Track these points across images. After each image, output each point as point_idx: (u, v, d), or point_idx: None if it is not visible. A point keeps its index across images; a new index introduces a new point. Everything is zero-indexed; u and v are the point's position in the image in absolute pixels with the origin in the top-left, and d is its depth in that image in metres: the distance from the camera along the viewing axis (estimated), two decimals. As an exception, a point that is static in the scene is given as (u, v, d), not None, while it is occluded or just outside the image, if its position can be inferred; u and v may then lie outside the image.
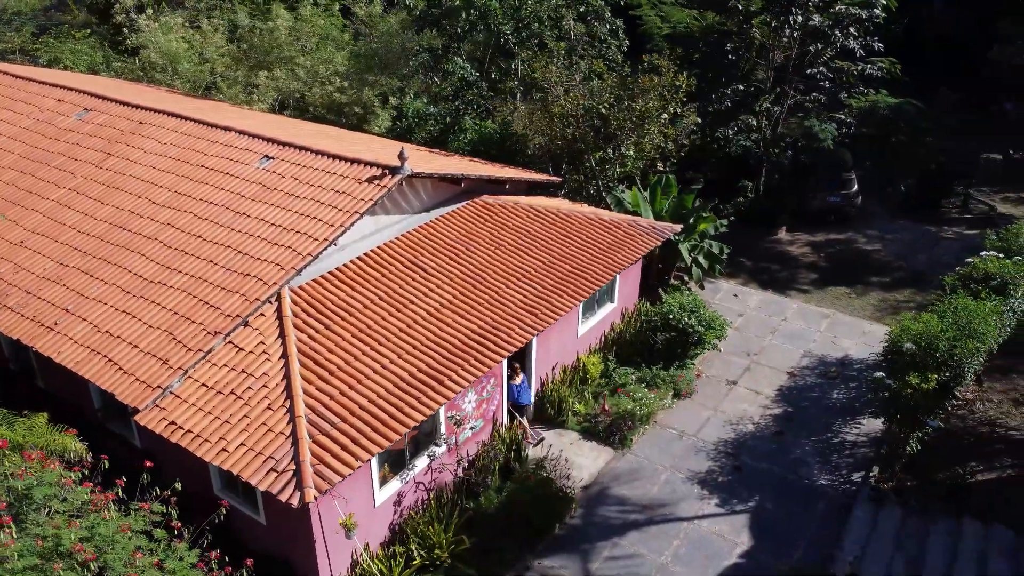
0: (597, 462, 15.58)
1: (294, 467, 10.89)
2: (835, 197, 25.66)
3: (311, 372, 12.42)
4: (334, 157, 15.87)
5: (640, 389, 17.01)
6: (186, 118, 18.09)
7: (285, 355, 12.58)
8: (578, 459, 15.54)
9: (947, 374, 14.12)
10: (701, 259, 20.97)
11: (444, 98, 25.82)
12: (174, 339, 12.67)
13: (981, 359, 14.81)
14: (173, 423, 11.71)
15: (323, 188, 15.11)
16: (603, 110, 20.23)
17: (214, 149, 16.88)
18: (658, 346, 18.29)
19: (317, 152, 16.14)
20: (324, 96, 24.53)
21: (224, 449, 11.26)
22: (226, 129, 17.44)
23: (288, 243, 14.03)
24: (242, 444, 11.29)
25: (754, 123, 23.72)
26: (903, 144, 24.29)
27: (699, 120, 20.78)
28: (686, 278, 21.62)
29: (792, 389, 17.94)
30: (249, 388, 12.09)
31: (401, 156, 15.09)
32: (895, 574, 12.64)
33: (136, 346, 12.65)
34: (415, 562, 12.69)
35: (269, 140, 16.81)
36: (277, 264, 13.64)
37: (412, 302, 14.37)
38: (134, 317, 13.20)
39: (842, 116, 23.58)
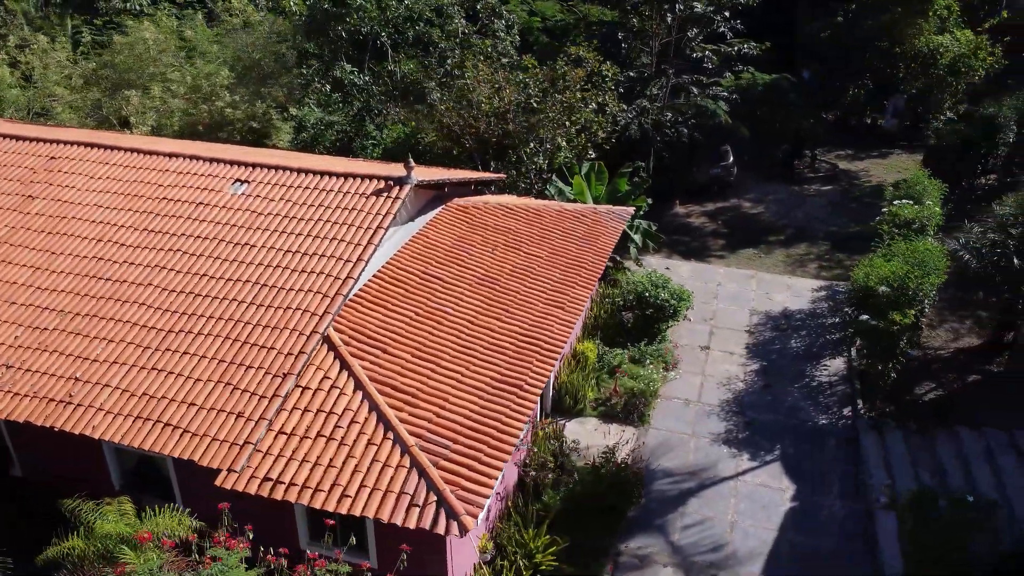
0: (616, 439, 16.05)
1: (435, 498, 10.33)
2: (716, 169, 27.97)
3: (395, 400, 11.74)
4: (322, 174, 14.88)
5: (635, 367, 17.72)
6: (113, 147, 15.98)
7: (361, 386, 11.78)
8: (610, 442, 15.92)
9: (917, 309, 16.21)
10: (637, 238, 22.06)
11: (336, 106, 24.77)
12: (236, 388, 11.38)
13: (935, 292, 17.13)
14: (269, 479, 10.59)
15: (327, 207, 14.15)
16: (535, 104, 20.60)
17: (169, 179, 15.10)
18: (629, 324, 19.11)
19: (298, 171, 15.02)
20: (213, 113, 22.58)
21: (345, 495, 10.40)
22: (170, 156, 15.67)
23: (317, 269, 13.03)
24: (363, 486, 10.49)
25: (647, 106, 25.19)
26: (779, 115, 26.99)
27: (624, 107, 21.76)
28: (618, 257, 22.63)
29: (756, 345, 19.54)
30: (338, 427, 11.20)
31: (408, 166, 14.53)
32: (925, 488, 14.37)
33: (193, 404, 11.21)
34: (526, 574, 12.47)
35: (231, 163, 15.33)
36: (318, 292, 12.64)
37: (450, 314, 13.96)
38: (171, 373, 11.65)
39: (724, 93, 25.72)
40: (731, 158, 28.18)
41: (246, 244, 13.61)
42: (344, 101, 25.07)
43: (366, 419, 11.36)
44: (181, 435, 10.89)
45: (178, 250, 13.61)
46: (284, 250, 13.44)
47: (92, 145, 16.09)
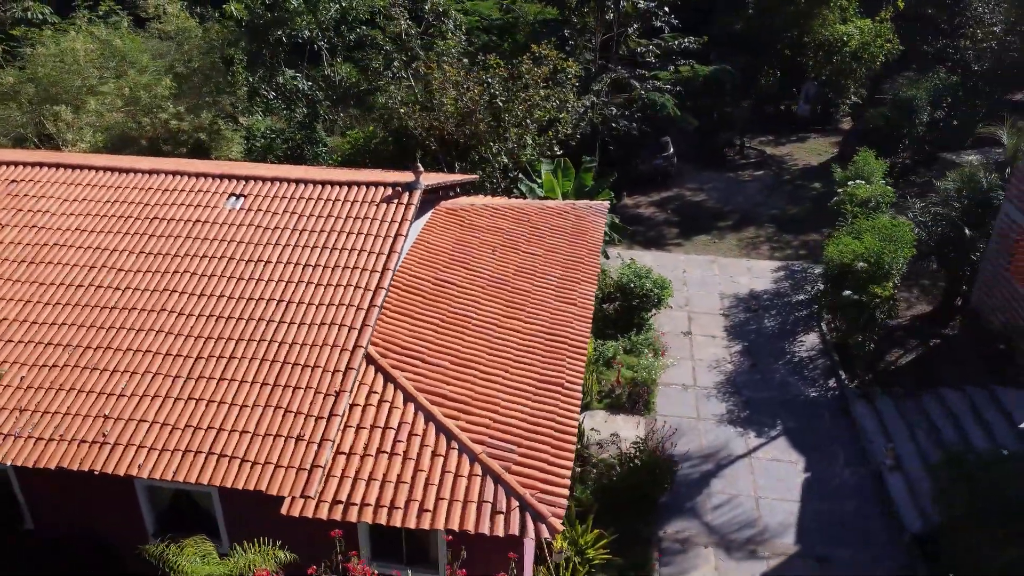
0: (639, 431, 16.36)
1: (516, 503, 10.23)
2: (659, 160, 28.77)
3: (448, 409, 11.52)
4: (323, 184, 14.39)
5: (629, 358, 18.06)
6: (84, 167, 14.87)
7: (411, 398, 11.49)
8: (622, 432, 16.18)
9: (892, 281, 17.29)
10: (606, 230, 22.42)
11: (281, 113, 23.95)
12: (287, 411, 10.86)
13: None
14: (339, 501, 10.21)
15: (337, 217, 13.69)
16: (500, 103, 20.57)
17: (155, 198, 14.19)
18: (610, 314, 19.48)
19: (296, 181, 14.47)
20: (156, 126, 21.33)
21: (424, 509, 10.15)
22: (151, 173, 14.74)
23: (343, 281, 12.60)
24: (440, 499, 10.27)
25: (595, 100, 25.60)
26: (718, 105, 27.98)
27: (587, 103, 22.04)
28: (585, 252, 22.93)
29: (734, 327, 20.29)
30: (398, 441, 10.90)
31: (416, 170, 14.27)
32: (925, 448, 15.37)
33: (246, 431, 10.62)
34: (582, 571, 12.53)
35: (220, 177, 14.59)
36: (350, 305, 12.22)
37: (474, 318, 13.80)
38: (212, 401, 10.99)
39: (667, 86, 26.47)
40: (671, 149, 29.05)
41: (259, 261, 12.99)
42: (288, 108, 24.25)
43: (424, 431, 11.10)
44: (240, 465, 10.31)
45: (185, 271, 12.82)
46: (302, 264, 12.92)
47: (59, 166, 14.90)
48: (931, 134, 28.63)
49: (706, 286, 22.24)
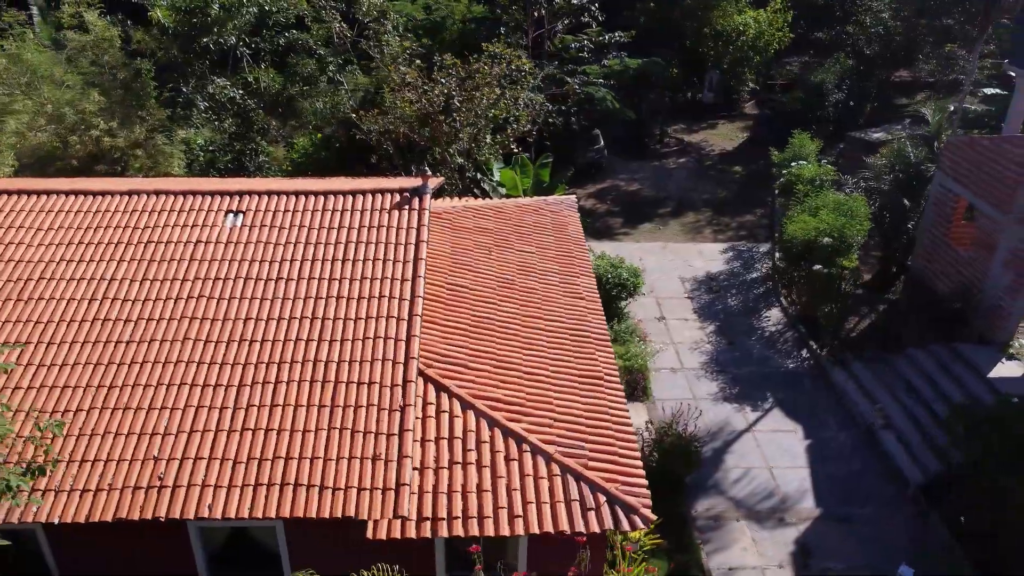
0: (642, 417, 16.71)
1: (604, 498, 10.27)
2: (592, 153, 29.33)
3: (507, 413, 11.39)
4: (323, 194, 13.84)
5: (616, 346, 18.38)
6: (50, 192, 13.61)
7: (469, 406, 11.28)
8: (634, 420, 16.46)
9: (855, 253, 18.47)
10: (564, 225, 22.65)
11: (213, 124, 22.73)
12: (355, 431, 10.41)
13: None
14: (426, 518, 9.92)
15: (350, 228, 13.23)
16: (458, 103, 20.40)
17: (142, 220, 13.17)
18: (587, 308, 19.75)
19: (292, 194, 13.84)
20: (88, 144, 19.75)
21: (515, 515, 10.02)
22: (129, 194, 13.68)
23: (375, 292, 12.18)
24: (527, 503, 10.16)
25: (532, 96, 25.78)
26: (648, 97, 28.75)
27: (544, 100, 22.17)
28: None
29: (702, 309, 21.05)
30: (468, 450, 10.70)
31: (424, 175, 14.01)
32: (910, 406, 16.53)
33: (316, 457, 10.09)
34: (637, 558, 12.70)
35: (210, 194, 13.75)
36: (390, 316, 11.84)
37: (496, 320, 13.68)
38: (269, 430, 10.37)
39: (600, 80, 26.98)
40: (602, 142, 29.69)
41: (279, 279, 12.36)
42: (218, 118, 23.05)
43: (492, 437, 10.93)
44: (320, 493, 9.81)
45: (200, 296, 12.01)
46: (326, 279, 12.39)
47: (22, 193, 13.58)
48: (836, 115, 30.65)
49: (665, 272, 22.93)
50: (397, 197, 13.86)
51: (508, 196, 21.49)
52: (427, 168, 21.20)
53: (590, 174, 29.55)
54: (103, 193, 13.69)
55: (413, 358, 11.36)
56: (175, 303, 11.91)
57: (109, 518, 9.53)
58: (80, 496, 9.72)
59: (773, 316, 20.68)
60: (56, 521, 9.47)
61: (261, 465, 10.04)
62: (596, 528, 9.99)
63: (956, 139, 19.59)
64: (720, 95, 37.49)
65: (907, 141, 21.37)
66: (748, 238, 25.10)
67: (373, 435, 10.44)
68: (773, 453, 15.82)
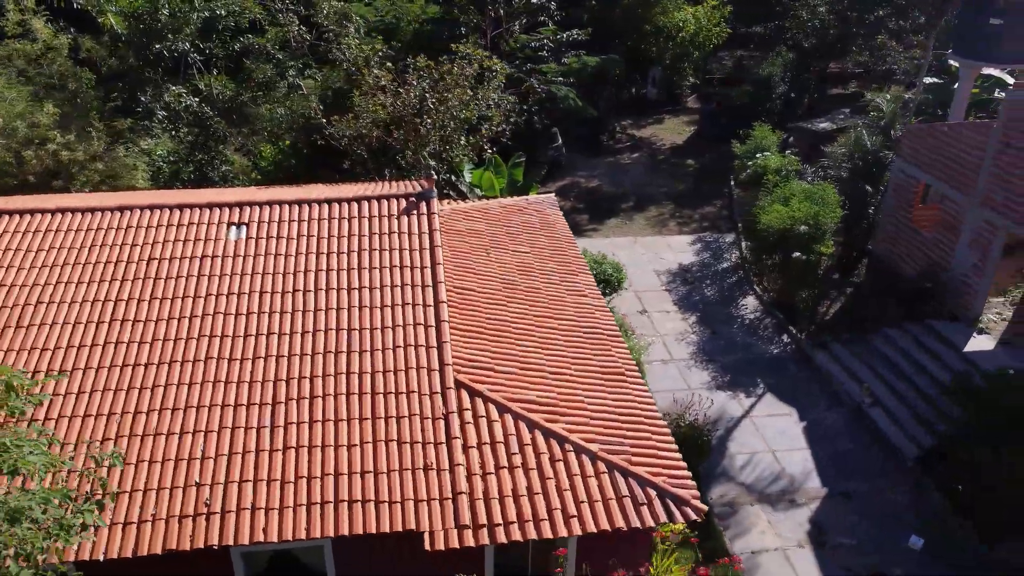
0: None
1: (654, 492, 10.38)
2: (552, 151, 29.50)
3: (543, 414, 11.36)
4: (327, 202, 13.51)
5: (607, 342, 18.58)
6: (33, 211, 12.87)
7: (506, 409, 11.19)
8: (630, 414, 16.67)
9: (830, 240, 19.17)
10: (538, 224, 22.73)
11: (170, 133, 21.88)
12: (400, 442, 10.22)
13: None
14: (482, 525, 9.83)
15: (360, 235, 12.98)
16: (431, 104, 20.18)
17: (139, 237, 12.58)
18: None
19: (294, 203, 13.47)
20: (44, 158, 18.70)
21: (570, 516, 10.02)
22: (119, 209, 13.05)
23: (399, 300, 12.00)
24: (580, 502, 10.18)
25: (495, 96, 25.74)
26: (604, 94, 29.05)
27: (515, 100, 22.14)
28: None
29: (681, 301, 21.47)
30: (512, 454, 10.64)
31: (428, 178, 13.86)
32: (893, 383, 17.26)
33: (367, 471, 9.85)
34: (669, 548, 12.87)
35: (206, 207, 13.25)
36: (417, 324, 11.68)
37: (509, 322, 13.64)
38: (313, 447, 10.06)
39: (560, 78, 27.13)
40: (560, 140, 29.89)
41: (295, 291, 12.01)
42: (175, 128, 22.19)
43: (533, 439, 10.88)
44: (377, 507, 9.59)
45: (216, 313, 11.58)
46: (345, 289, 12.12)
47: (2, 213, 12.77)
48: (780, 106, 31.68)
49: (639, 266, 23.27)
50: (404, 203, 13.66)
51: (485, 197, 21.42)
52: (399, 171, 21.12)
53: (551, 172, 29.69)
54: (91, 210, 13.03)
55: (448, 364, 11.24)
56: (190, 321, 11.44)
57: (159, 550, 9.09)
58: (123, 529, 9.24)
59: (749, 304, 21.26)
60: (101, 558, 8.98)
61: (310, 484, 9.76)
62: (651, 522, 10.09)
63: (915, 127, 20.55)
64: (663, 91, 38.23)
65: (863, 130, 22.26)
66: (712, 229, 25.72)
67: (421, 445, 10.28)
68: (773, 437, 16.28)
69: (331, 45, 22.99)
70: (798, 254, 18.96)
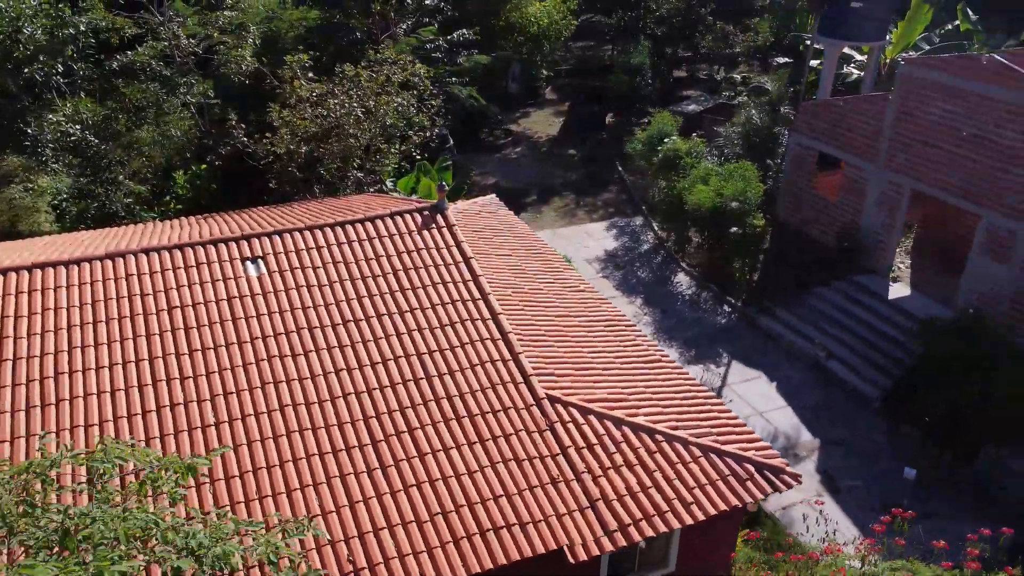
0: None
1: (751, 467, 10.89)
2: (446, 152, 29.19)
3: (621, 410, 11.52)
4: (338, 226, 12.73)
5: (575, 334, 18.97)
6: (19, 269, 11.07)
7: (587, 410, 11.23)
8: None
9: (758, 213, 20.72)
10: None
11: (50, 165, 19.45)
12: (517, 460, 9.97)
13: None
14: (615, 530, 9.88)
15: (388, 255, 12.39)
16: (360, 114, 19.44)
17: (147, 285, 11.20)
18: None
19: (304, 229, 12.56)
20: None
21: (693, 505, 10.29)
22: (109, 257, 11.53)
23: (453, 317, 11.63)
24: (693, 488, 10.48)
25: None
26: (494, 91, 29.08)
27: (440, 102, 21.72)
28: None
29: (620, 285, 22.26)
30: (611, 453, 10.74)
31: (440, 189, 13.46)
32: (836, 334, 19.01)
33: (498, 496, 9.53)
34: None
35: (210, 244, 12.04)
36: (485, 339, 11.40)
37: (540, 324, 13.60)
38: (436, 480, 9.57)
39: (454, 79, 26.91)
40: (451, 140, 29.70)
41: (343, 323, 11.28)
42: (56, 160, 19.73)
43: (624, 436, 11.01)
44: (523, 529, 9.32)
45: (272, 356, 10.63)
46: (394, 313, 11.56)
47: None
48: (651, 93, 33.47)
49: (569, 255, 23.76)
50: (418, 217, 13.17)
51: (421, 204, 20.92)
52: (326, 186, 20.15)
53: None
54: (79, 261, 11.40)
55: (531, 375, 11.09)
56: (246, 370, 10.43)
57: (318, 620, 8.30)
58: (268, 605, 8.34)
59: (683, 280, 22.47)
60: (257, 642, 8.07)
61: (447, 519, 9.32)
62: (759, 496, 10.60)
63: (810, 103, 22.60)
64: (523, 85, 39.00)
65: (754, 110, 24.15)
66: (619, 214, 26.78)
67: (538, 459, 10.13)
68: (755, 400, 17.45)
69: (224, 57, 21.45)
70: (736, 228, 20.31)
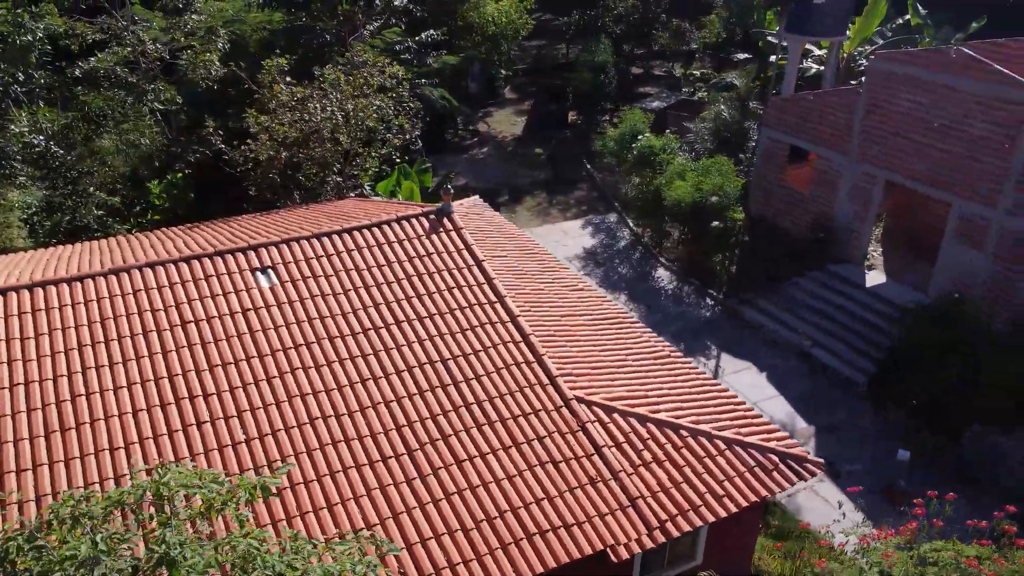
0: (628, 390, 17.63)
1: (776, 457, 11.09)
2: (415, 154, 28.94)
3: (643, 407, 11.61)
4: (346, 232, 12.51)
5: (565, 332, 19.05)
6: (16, 288, 10.58)
7: (611, 409, 11.27)
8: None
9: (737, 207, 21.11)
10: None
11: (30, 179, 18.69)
12: (553, 463, 9.97)
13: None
14: (654, 527, 9.96)
15: (400, 261, 12.23)
16: (340, 117, 19.14)
17: (154, 299, 10.81)
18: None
19: (312, 237, 12.31)
20: None
21: (724, 498, 10.44)
22: (111, 274, 11.12)
23: (473, 321, 11.56)
24: (722, 482, 10.63)
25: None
26: (461, 92, 28.89)
27: (418, 103, 21.49)
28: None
29: (603, 282, 22.40)
30: (640, 451, 10.81)
31: (447, 192, 13.34)
32: (818, 323, 19.49)
33: (539, 500, 9.50)
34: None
35: (218, 255, 11.70)
36: (508, 342, 11.36)
37: (549, 324, 13.60)
38: (475, 488, 9.49)
39: (424, 80, 26.66)
40: (420, 142, 29.41)
41: (361, 332, 11.10)
42: (23, 172, 18.94)
43: (650, 432, 11.10)
44: (569, 531, 9.32)
45: (295, 368, 10.40)
46: (413, 319, 11.43)
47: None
48: (614, 91, 33.75)
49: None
50: (425, 222, 13.04)
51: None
52: (306, 192, 19.79)
53: (416, 175, 29.21)
54: (88, 277, 10.96)
55: (556, 376, 11.09)
56: (269, 384, 10.18)
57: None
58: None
59: (663, 276, 22.75)
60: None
61: (493, 525, 9.26)
62: (786, 485, 10.83)
63: (780, 97, 23.10)
64: (482, 85, 38.92)
65: (723, 105, 24.58)
66: (592, 212, 26.96)
67: (575, 460, 10.14)
68: (747, 391, 17.77)
69: (191, 63, 20.87)
70: (716, 223, 20.65)
